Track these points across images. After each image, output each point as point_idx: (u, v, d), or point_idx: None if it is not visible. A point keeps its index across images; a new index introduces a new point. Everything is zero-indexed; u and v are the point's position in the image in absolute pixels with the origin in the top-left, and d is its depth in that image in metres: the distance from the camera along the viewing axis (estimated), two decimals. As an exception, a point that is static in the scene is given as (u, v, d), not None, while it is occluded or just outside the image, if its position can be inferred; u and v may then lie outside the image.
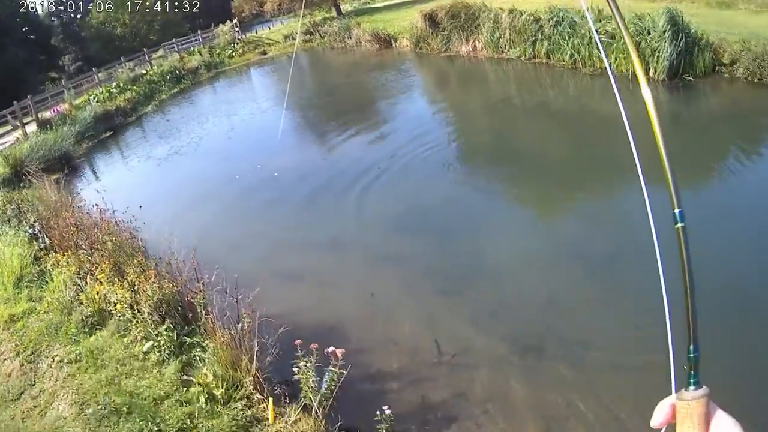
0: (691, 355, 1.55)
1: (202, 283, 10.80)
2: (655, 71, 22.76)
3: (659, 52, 22.61)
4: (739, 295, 10.70)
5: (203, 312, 10.23)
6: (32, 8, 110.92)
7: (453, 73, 32.26)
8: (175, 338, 10.32)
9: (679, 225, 2.39)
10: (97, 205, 16.41)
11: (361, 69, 39.21)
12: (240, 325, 9.43)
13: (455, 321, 11.52)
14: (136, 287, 11.09)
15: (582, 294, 11.66)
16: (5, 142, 34.86)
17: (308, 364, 8.30)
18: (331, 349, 8.31)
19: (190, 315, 10.93)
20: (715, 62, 22.77)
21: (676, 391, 1.56)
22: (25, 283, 13.44)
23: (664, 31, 22.56)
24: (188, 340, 10.39)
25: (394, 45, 41.35)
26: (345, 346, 9.33)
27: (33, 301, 12.71)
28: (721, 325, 9.31)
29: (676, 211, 2.38)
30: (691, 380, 1.55)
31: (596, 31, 22.22)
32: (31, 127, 35.74)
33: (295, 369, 8.46)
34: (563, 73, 26.03)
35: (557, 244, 13.45)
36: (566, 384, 9.41)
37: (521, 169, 17.57)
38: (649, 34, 23.10)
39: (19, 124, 35.73)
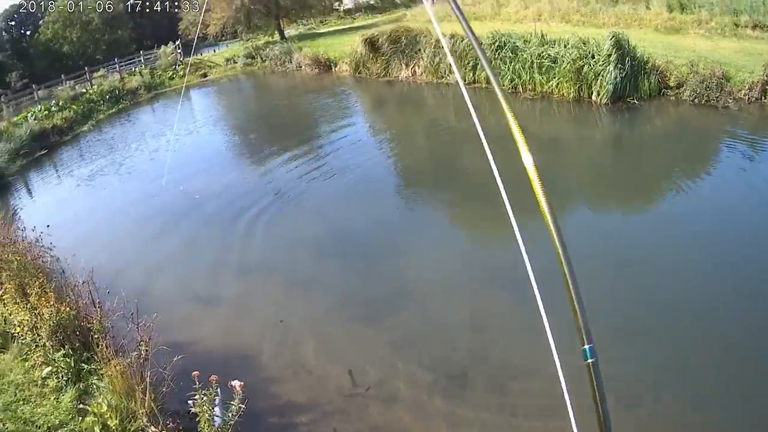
0: None
1: (99, 308, 10.43)
2: (598, 95, 22.73)
3: (603, 76, 22.56)
4: (690, 317, 10.54)
5: (100, 338, 9.68)
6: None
7: (391, 96, 31.95)
8: (73, 365, 9.81)
9: (590, 361, 2.53)
10: (2, 221, 16.25)
11: (298, 92, 38.96)
12: (135, 353, 8.95)
13: (373, 349, 11.04)
14: (36, 310, 10.57)
15: (507, 321, 11.26)
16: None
17: (205, 397, 7.77)
18: (232, 382, 7.79)
19: (89, 341, 10.32)
20: (662, 85, 22.85)
21: None
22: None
23: (609, 55, 22.51)
24: (86, 367, 9.89)
25: (333, 69, 41.18)
26: (252, 375, 8.95)
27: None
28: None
29: (587, 347, 2.54)
30: None
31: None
32: (-35, 145, 35.29)
33: (190, 402, 7.90)
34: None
35: (485, 268, 13.01)
36: (492, 415, 9.01)
37: (454, 192, 17.14)
38: (593, 58, 23.05)
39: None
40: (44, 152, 34.55)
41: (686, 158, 18.10)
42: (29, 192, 27.47)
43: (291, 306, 12.79)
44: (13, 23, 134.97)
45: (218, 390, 7.87)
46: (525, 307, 11.05)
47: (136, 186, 22.99)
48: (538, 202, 2.79)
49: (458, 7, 3.68)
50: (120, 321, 10.44)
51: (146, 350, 8.97)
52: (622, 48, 22.47)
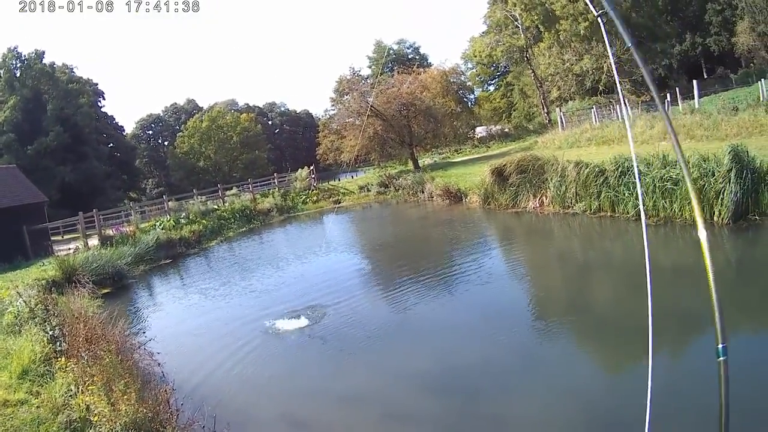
0: None
1: (176, 416, 10.71)
2: (720, 214, 21.31)
3: (723, 195, 21.24)
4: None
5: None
6: (120, 126, 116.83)
7: (518, 228, 31.14)
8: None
9: (721, 359, 3.11)
10: (109, 319, 16.46)
11: (428, 223, 38.84)
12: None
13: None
14: (116, 405, 10.72)
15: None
16: (69, 249, 37.66)
17: None
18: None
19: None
20: None
21: None
22: (29, 377, 13.46)
23: (729, 170, 21.25)
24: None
25: (464, 200, 40.99)
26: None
27: (30, 394, 12.60)
28: None
29: (720, 346, 3.13)
30: None
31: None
32: (94, 240, 38.42)
33: None
34: (627, 225, 24.78)
35: (596, 410, 11.88)
36: None
37: (580, 327, 15.82)
38: (713, 176, 21.77)
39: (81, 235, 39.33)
40: (169, 261, 35.75)
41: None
42: (145, 296, 28.19)
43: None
44: (150, 132, 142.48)
45: None
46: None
47: (250, 304, 22.74)
48: (704, 261, 3.58)
49: (671, 126, 4.24)
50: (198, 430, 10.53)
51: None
52: (741, 161, 21.31)
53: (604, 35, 4.24)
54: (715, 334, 3.30)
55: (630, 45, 4.13)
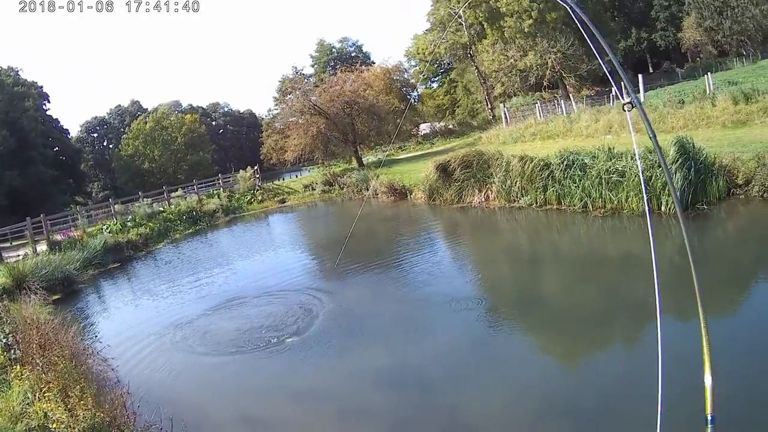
0: None
1: (133, 419, 10.79)
2: (666, 205, 21.68)
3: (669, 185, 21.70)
4: None
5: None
6: (65, 129, 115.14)
7: (464, 223, 31.35)
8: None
9: (709, 427, 3.16)
10: (62, 325, 16.36)
11: (373, 220, 38.70)
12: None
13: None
14: (73, 411, 10.68)
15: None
16: (18, 255, 37.04)
17: None
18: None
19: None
20: (730, 185, 21.96)
21: None
22: (-16, 388, 13.41)
23: (674, 161, 21.74)
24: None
25: (409, 197, 41.17)
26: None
27: (-12, 404, 12.63)
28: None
29: (710, 415, 3.18)
30: None
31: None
32: (42, 246, 38.07)
33: None
34: (574, 218, 25.11)
35: (551, 398, 12.00)
36: None
37: (531, 319, 16.00)
38: (659, 167, 21.93)
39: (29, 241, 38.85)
40: (117, 265, 35.61)
41: (762, 258, 17.09)
42: (95, 300, 28.14)
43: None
44: (95, 135, 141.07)
45: None
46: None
47: (200, 305, 22.57)
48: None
49: (646, 117, 4.59)
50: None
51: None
52: (687, 152, 21.87)
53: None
54: (705, 402, 3.44)
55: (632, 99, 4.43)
